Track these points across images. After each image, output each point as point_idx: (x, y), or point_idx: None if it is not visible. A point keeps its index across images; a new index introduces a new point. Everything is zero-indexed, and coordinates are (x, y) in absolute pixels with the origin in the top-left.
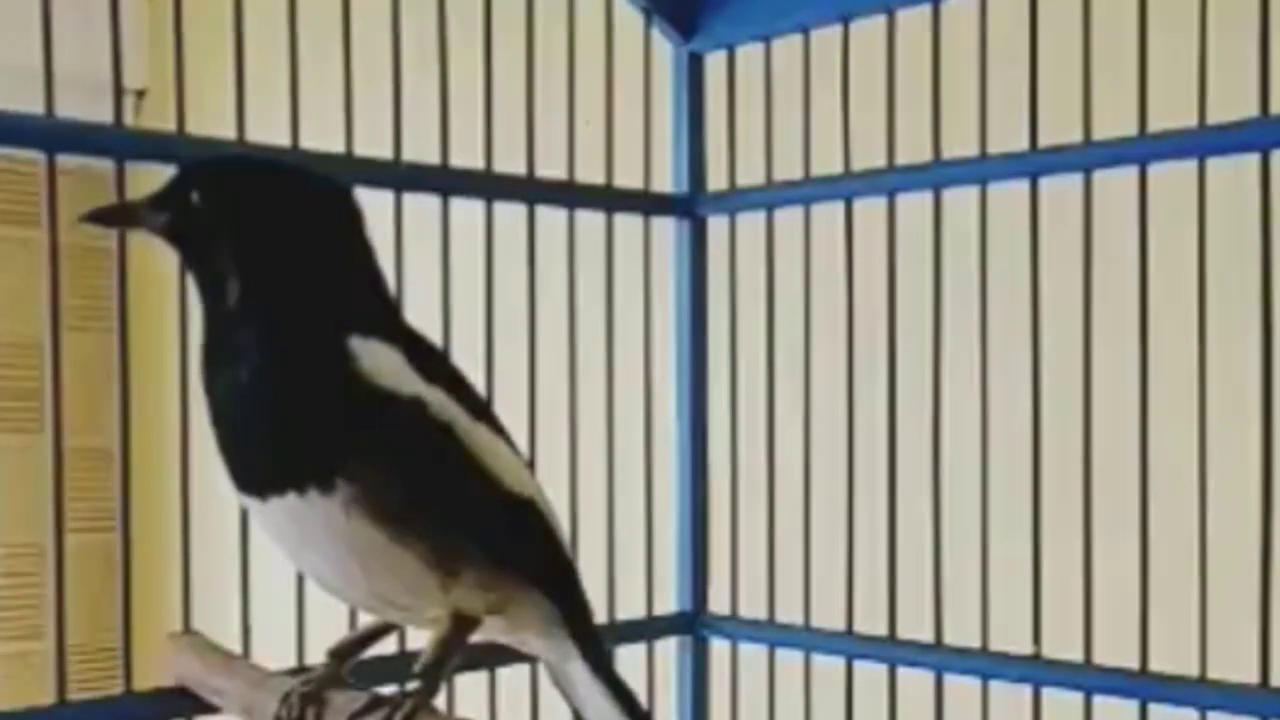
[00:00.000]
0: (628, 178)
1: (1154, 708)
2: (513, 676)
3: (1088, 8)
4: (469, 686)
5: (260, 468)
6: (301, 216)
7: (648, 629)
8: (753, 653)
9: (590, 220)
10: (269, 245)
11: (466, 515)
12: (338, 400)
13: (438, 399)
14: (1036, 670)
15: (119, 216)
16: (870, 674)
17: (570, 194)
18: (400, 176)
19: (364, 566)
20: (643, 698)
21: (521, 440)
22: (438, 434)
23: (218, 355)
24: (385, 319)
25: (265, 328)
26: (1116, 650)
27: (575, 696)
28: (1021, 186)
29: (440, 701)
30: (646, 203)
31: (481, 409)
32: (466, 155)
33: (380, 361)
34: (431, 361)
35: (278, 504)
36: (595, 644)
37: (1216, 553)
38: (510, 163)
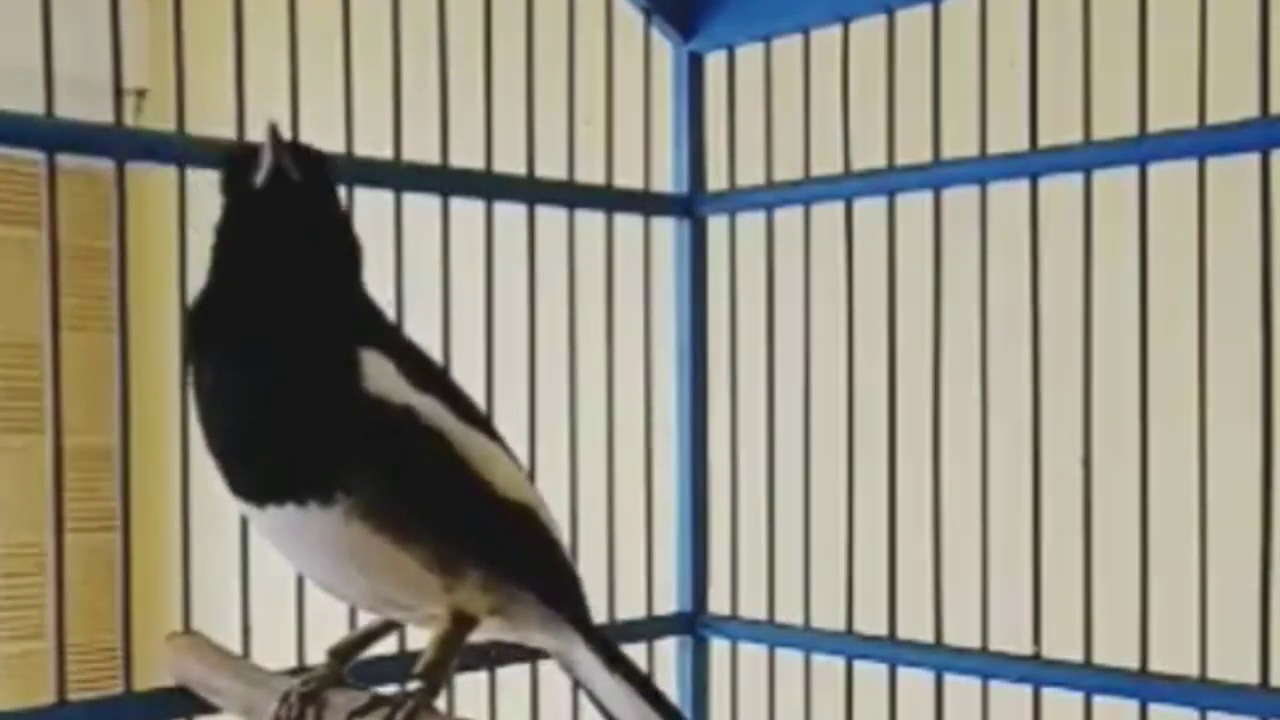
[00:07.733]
0: (628, 178)
1: (1154, 708)
2: (513, 676)
3: (1088, 8)
4: (469, 686)
5: (259, 478)
6: (340, 214)
7: (648, 629)
8: (753, 653)
9: (590, 220)
10: (314, 240)
11: (465, 523)
12: (341, 414)
13: (431, 408)
14: (1036, 670)
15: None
16: (870, 674)
17: (570, 194)
18: (400, 176)
19: (364, 570)
20: None
21: (522, 441)
22: (434, 444)
23: (217, 347)
24: (379, 325)
25: (279, 330)
26: (1116, 650)
27: (585, 682)
28: (1021, 186)
29: (440, 701)
30: (646, 203)
31: (476, 416)
32: (466, 155)
33: (379, 374)
34: (423, 370)
35: (276, 513)
36: (600, 636)
37: (1216, 553)
38: (510, 163)
